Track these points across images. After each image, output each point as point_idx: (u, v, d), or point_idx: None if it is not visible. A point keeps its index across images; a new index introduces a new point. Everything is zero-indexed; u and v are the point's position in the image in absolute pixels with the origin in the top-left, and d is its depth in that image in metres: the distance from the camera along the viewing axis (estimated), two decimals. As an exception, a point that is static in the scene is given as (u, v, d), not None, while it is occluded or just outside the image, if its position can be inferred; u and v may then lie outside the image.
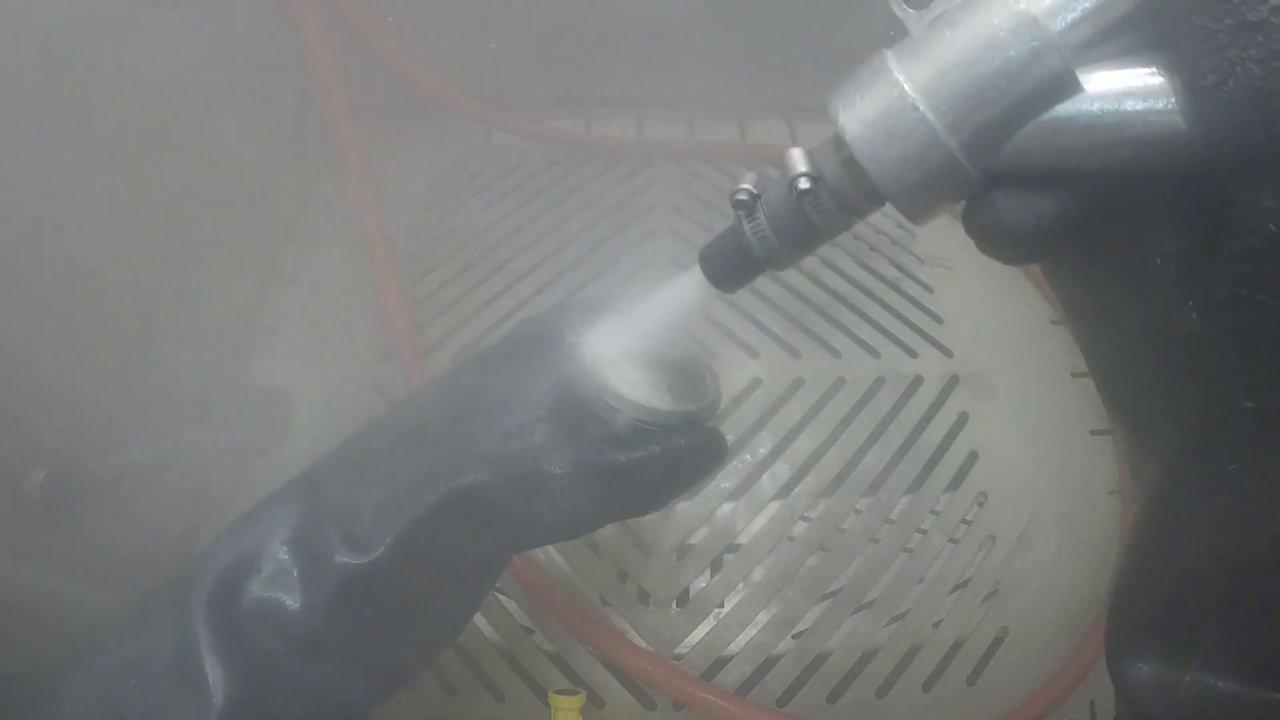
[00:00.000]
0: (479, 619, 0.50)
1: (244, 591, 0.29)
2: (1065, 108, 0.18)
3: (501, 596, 0.50)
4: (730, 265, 0.27)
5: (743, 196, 0.25)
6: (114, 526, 0.45)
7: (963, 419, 0.58)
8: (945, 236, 0.67)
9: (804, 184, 0.22)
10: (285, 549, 0.30)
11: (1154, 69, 0.17)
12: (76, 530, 0.43)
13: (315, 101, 0.63)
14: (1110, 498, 0.57)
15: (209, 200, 0.56)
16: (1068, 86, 0.18)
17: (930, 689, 0.49)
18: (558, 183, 0.70)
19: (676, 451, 0.32)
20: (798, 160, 0.23)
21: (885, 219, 0.68)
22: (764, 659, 0.49)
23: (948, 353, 0.61)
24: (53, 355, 0.43)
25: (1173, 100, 0.17)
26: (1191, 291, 0.18)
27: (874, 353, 0.61)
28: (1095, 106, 0.18)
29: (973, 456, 0.56)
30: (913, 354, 0.61)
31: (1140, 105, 0.17)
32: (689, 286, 0.28)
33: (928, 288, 0.65)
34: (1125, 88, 0.17)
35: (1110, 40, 0.18)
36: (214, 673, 0.27)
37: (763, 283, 0.63)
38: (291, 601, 0.29)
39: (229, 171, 0.58)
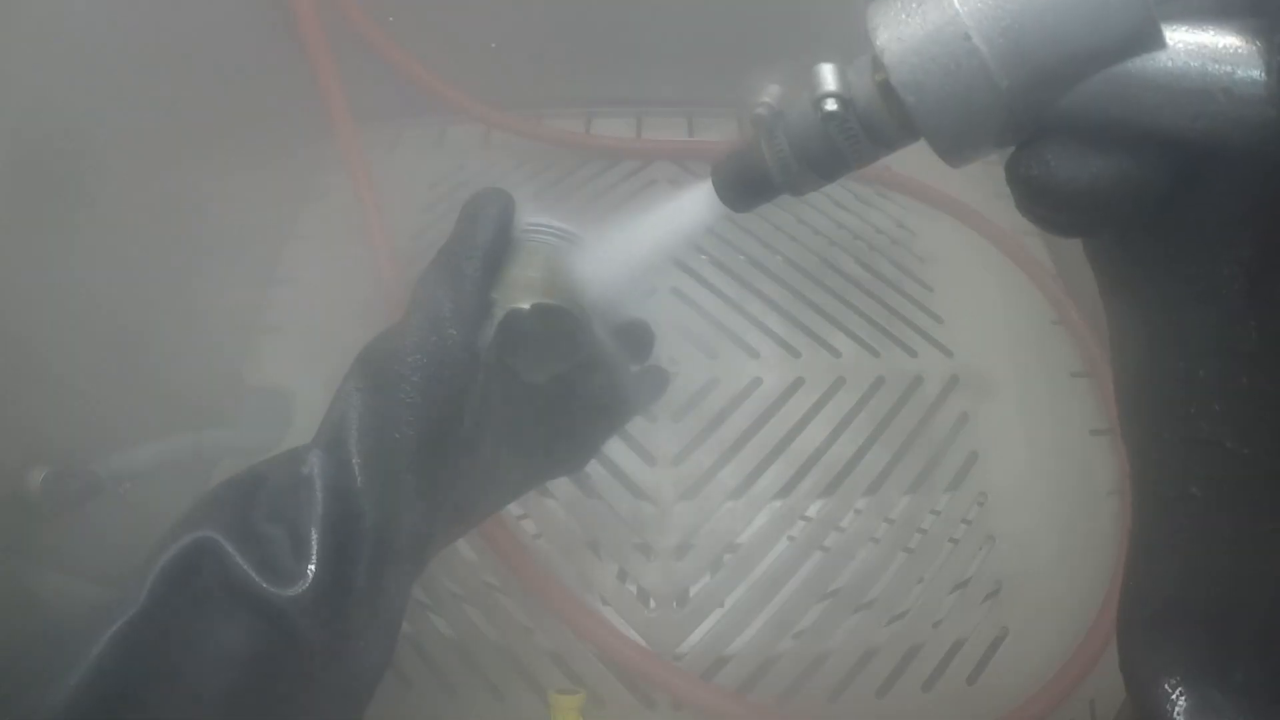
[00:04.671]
0: (479, 619, 0.50)
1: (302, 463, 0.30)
2: (1141, 62, 0.15)
3: (502, 596, 0.50)
4: (745, 185, 0.24)
5: (762, 111, 0.22)
6: (114, 526, 0.45)
7: (963, 419, 0.58)
8: (945, 236, 0.67)
9: (831, 105, 0.20)
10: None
11: (1248, 37, 0.15)
12: (76, 530, 0.43)
13: (315, 101, 0.63)
14: (1110, 497, 0.57)
15: (208, 199, 0.56)
16: (1149, 39, 0.15)
17: (930, 689, 0.49)
18: (558, 183, 0.70)
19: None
20: (827, 77, 0.20)
21: (885, 219, 0.68)
22: (764, 659, 0.49)
23: (948, 353, 0.61)
24: (53, 355, 0.43)
25: (1263, 75, 0.14)
26: (1257, 307, 0.16)
27: (874, 352, 0.60)
28: (1176, 65, 0.15)
29: (973, 456, 0.56)
30: (913, 354, 0.61)
31: (1227, 74, 0.15)
32: (698, 200, 0.26)
33: (928, 287, 0.65)
34: (1213, 50, 0.15)
35: None
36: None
37: (763, 282, 0.64)
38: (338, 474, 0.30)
39: (228, 171, 0.58)
